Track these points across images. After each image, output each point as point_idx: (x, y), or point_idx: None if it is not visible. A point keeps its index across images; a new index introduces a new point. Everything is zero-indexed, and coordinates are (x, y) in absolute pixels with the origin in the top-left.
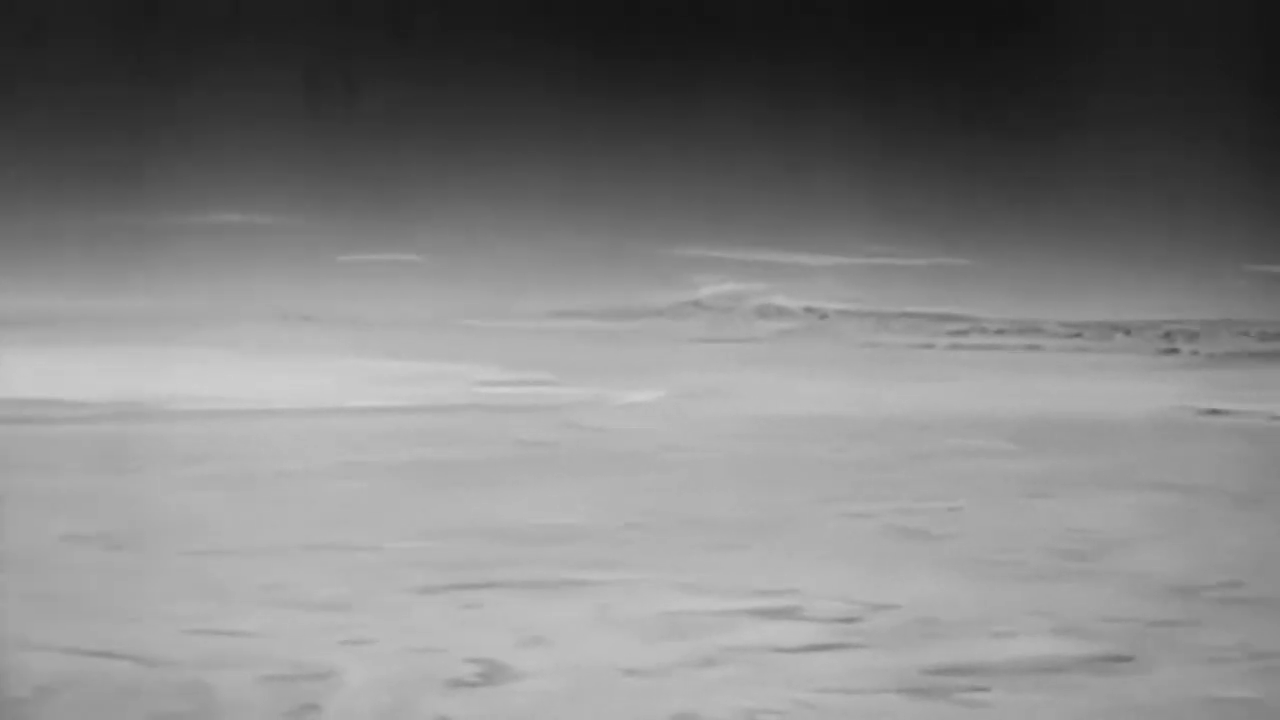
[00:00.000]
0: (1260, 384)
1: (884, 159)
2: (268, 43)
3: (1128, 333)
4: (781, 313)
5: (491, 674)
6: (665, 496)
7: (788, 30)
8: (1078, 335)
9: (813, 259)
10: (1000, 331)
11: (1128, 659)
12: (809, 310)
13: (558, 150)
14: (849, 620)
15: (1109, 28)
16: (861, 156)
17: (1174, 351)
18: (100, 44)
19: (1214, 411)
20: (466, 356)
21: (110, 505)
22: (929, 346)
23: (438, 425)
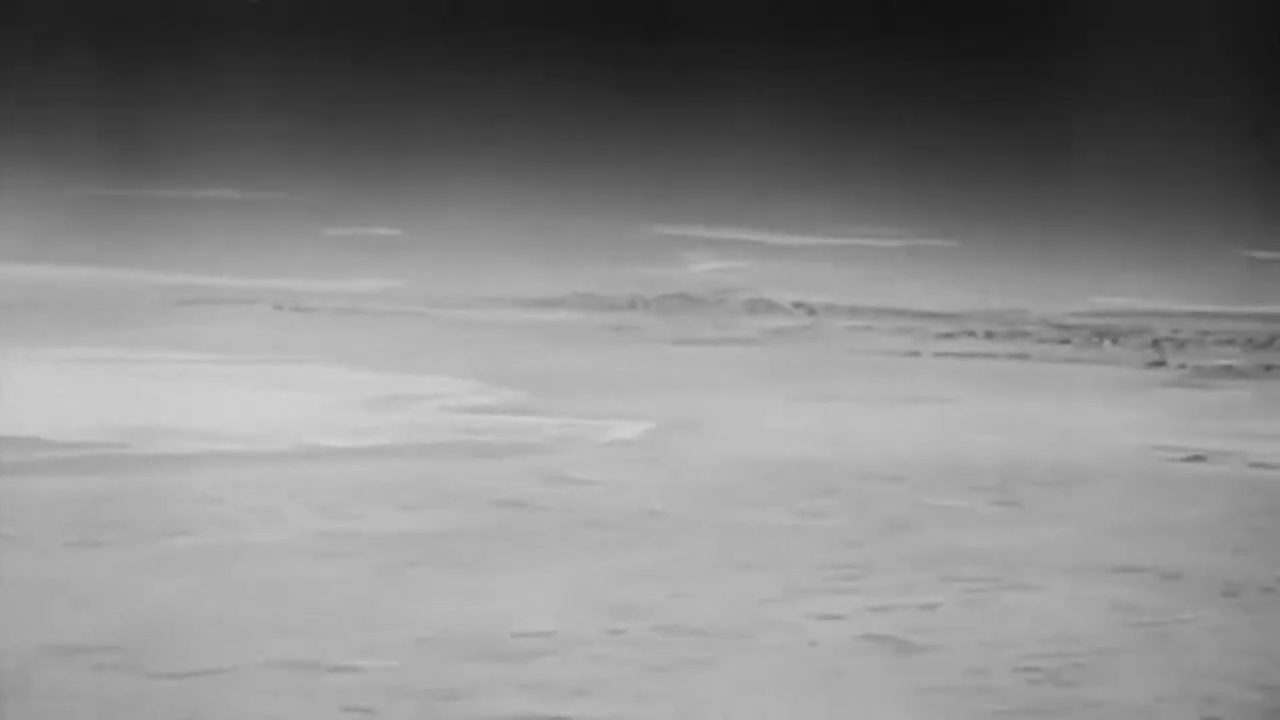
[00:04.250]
0: (1243, 409)
1: (868, 137)
2: (260, 17)
3: (1115, 340)
4: (770, 308)
5: None
6: (643, 590)
7: (775, 7)
8: (1065, 342)
9: (798, 239)
10: (989, 335)
11: None
12: (797, 305)
13: (546, 126)
14: None
15: (1104, 6)
16: (845, 134)
17: (1161, 364)
18: (88, 17)
19: (1196, 458)
20: (445, 364)
21: (84, 600)
22: (915, 354)
23: (412, 475)
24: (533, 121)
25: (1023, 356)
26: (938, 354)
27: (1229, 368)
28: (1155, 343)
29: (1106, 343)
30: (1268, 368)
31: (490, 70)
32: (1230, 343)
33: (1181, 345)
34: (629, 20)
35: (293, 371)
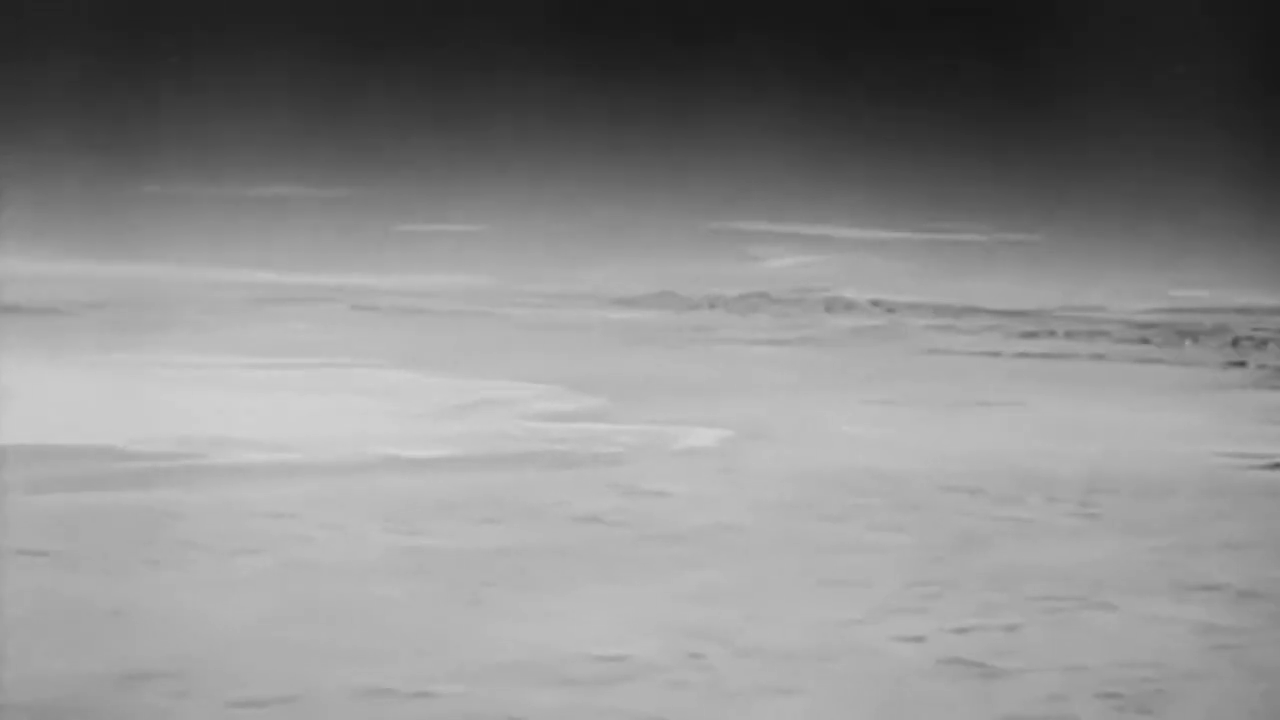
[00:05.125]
0: None
1: (947, 133)
2: (323, 15)
3: (1195, 339)
4: (849, 307)
5: None
6: (721, 611)
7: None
8: (1145, 341)
9: (876, 234)
10: (1069, 335)
11: None
12: (875, 304)
13: (623, 123)
14: None
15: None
16: (924, 130)
17: (1241, 364)
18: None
19: (1275, 465)
20: (523, 368)
21: (159, 623)
22: (996, 354)
23: (489, 488)
24: (609, 118)
25: (1102, 357)
26: (1019, 354)
27: None
28: (1235, 342)
29: (1187, 342)
30: None
31: (567, 69)
32: None
33: (1262, 345)
34: (704, 17)
35: (368, 376)
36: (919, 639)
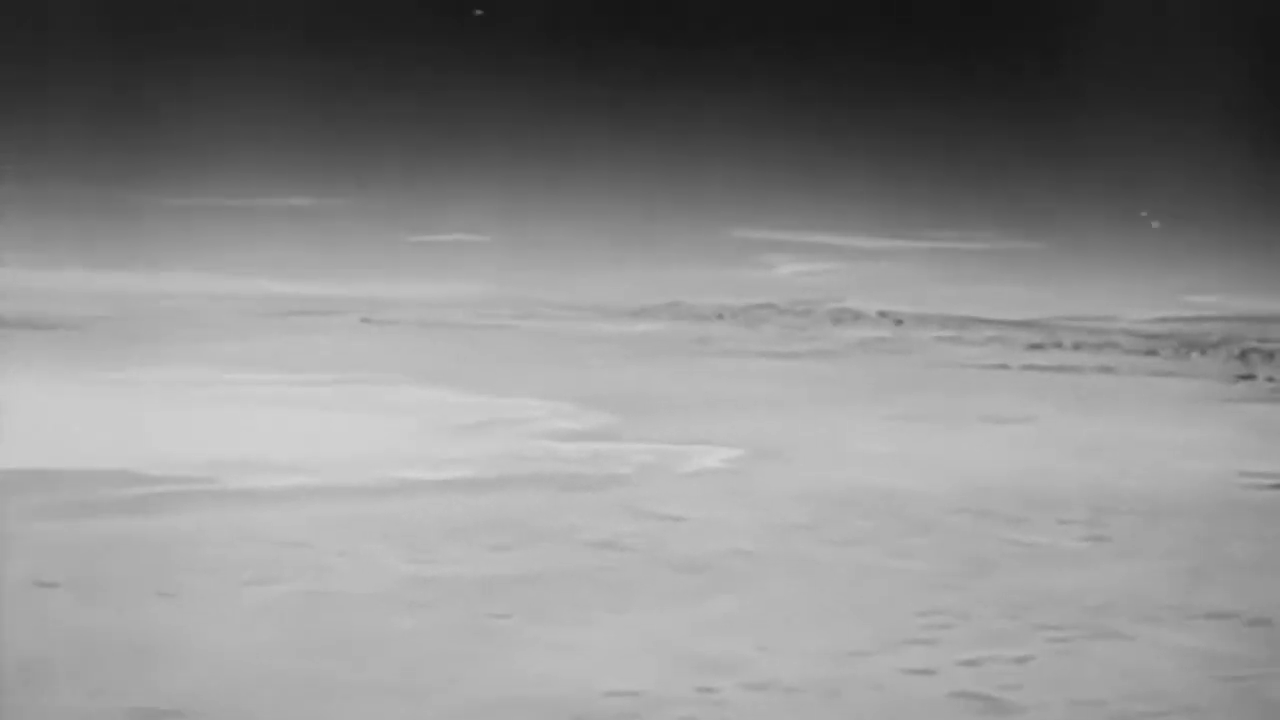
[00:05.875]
0: None
1: (951, 138)
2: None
3: (1203, 352)
4: (857, 318)
5: None
6: (732, 642)
7: (846, 6)
8: (1152, 354)
9: (883, 242)
10: (1076, 347)
11: None
12: (883, 315)
13: (627, 129)
14: None
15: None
16: (928, 135)
17: (1250, 378)
18: (160, 22)
19: None
20: (533, 383)
21: (173, 657)
22: (1004, 367)
23: (502, 512)
24: (614, 125)
25: (1110, 370)
26: (1026, 366)
27: None
28: (1243, 354)
29: (1195, 354)
30: None
31: (570, 75)
32: None
33: (1270, 356)
34: (711, 26)
35: (379, 393)
36: (929, 672)
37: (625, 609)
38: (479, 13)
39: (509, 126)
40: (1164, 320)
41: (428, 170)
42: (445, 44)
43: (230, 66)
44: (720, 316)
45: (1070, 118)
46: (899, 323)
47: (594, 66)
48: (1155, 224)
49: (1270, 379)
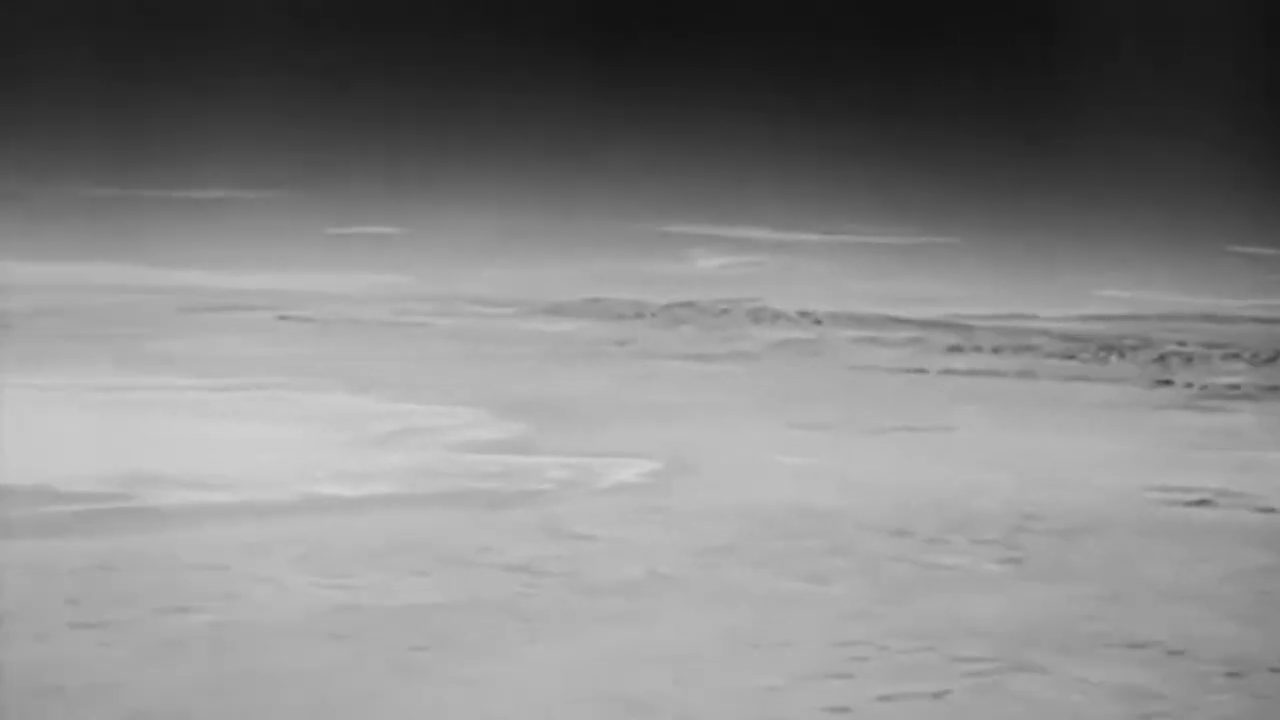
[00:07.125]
0: (1249, 437)
1: (871, 134)
2: (259, 19)
3: (1122, 355)
4: (776, 317)
5: None
6: (648, 677)
7: (778, 9)
8: (1071, 358)
9: (802, 236)
10: (995, 350)
11: None
12: (803, 314)
13: (549, 123)
14: None
15: (1103, 8)
16: (848, 131)
17: (1168, 383)
18: (88, 20)
19: (1202, 502)
20: (449, 387)
21: (87, 694)
22: (922, 371)
23: (416, 532)
24: (535, 118)
25: (1029, 374)
26: (945, 370)
27: (1235, 386)
28: (1161, 358)
29: (1114, 357)
30: (1272, 388)
31: (492, 68)
32: (1236, 357)
33: (1189, 360)
34: (633, 17)
35: (297, 399)
36: (845, 710)
37: (541, 639)
38: None
39: (426, 118)
40: (1082, 319)
41: (345, 163)
42: (360, 37)
43: (153, 63)
44: (640, 315)
45: (989, 112)
46: (818, 323)
47: (513, 60)
48: None
49: (1188, 385)
